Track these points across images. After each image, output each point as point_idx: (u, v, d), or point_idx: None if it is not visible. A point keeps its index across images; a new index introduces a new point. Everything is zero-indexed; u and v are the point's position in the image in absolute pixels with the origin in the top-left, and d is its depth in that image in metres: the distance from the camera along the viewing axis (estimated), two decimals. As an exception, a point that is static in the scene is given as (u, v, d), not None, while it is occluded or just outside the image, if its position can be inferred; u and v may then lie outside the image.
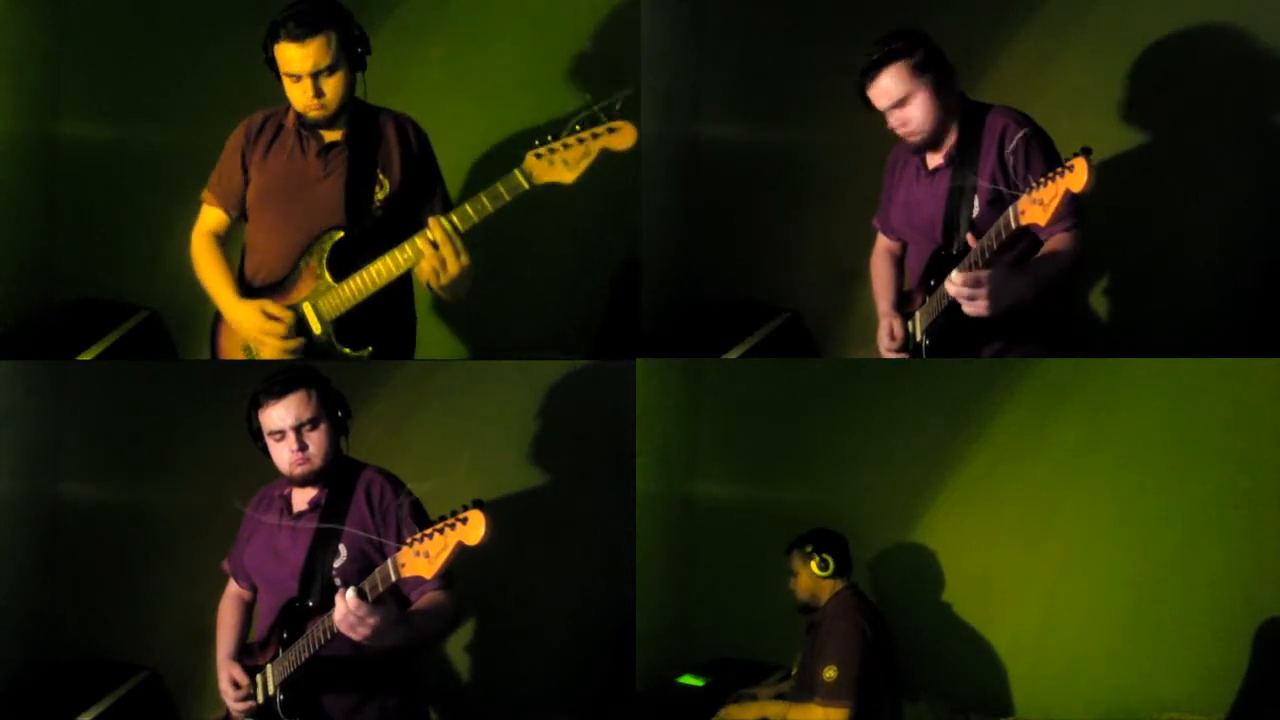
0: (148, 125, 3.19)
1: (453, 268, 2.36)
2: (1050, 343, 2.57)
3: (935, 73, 2.43)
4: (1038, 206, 2.16)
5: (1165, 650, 2.78)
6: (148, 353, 3.15)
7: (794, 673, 2.81)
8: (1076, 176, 2.11)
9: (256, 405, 2.39)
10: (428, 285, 2.51)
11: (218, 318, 2.71)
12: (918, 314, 2.56)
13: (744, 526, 3.27)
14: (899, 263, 2.76)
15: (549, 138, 2.33)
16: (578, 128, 2.30)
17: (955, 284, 2.30)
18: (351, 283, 2.52)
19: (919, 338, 2.56)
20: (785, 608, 2.81)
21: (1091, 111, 2.80)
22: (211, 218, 2.70)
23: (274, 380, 2.38)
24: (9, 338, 2.99)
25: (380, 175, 2.54)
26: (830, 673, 2.63)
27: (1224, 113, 2.78)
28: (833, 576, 2.75)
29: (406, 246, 2.44)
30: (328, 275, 2.54)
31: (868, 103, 2.49)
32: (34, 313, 3.11)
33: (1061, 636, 2.90)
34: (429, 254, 2.37)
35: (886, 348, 2.63)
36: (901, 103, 2.43)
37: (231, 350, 2.68)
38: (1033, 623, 2.93)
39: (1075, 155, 2.12)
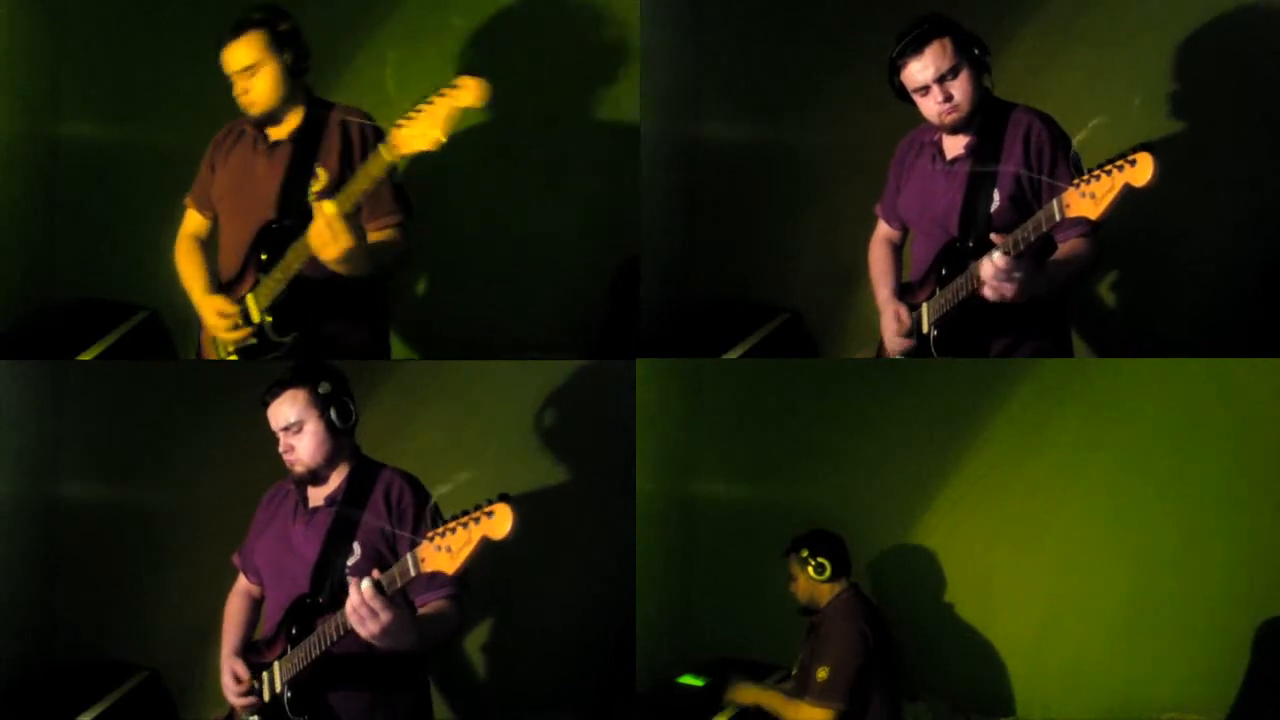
0: (148, 125, 3.19)
1: (331, 250, 2.37)
2: (1061, 339, 2.56)
3: (974, 55, 2.42)
4: (1088, 200, 2.10)
5: (1165, 650, 2.78)
6: (148, 353, 3.15)
7: (794, 673, 2.82)
8: (1140, 170, 2.04)
9: (264, 405, 2.42)
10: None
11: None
12: (925, 305, 2.54)
13: (744, 526, 3.27)
14: (898, 251, 2.75)
15: (408, 110, 2.33)
16: (430, 94, 2.30)
17: (994, 265, 2.25)
18: (275, 272, 2.56)
19: (926, 329, 2.55)
20: (786, 607, 2.82)
21: (1091, 112, 2.79)
22: (190, 220, 2.85)
23: (274, 381, 2.41)
24: (9, 338, 2.99)
25: (318, 169, 2.58)
26: (822, 673, 2.63)
27: (1224, 112, 2.78)
28: (831, 579, 2.74)
29: (311, 227, 2.44)
30: (263, 264, 2.61)
31: (898, 88, 2.46)
32: (34, 313, 3.11)
33: (1061, 636, 2.90)
34: (318, 232, 2.38)
35: (894, 332, 2.59)
36: (944, 78, 2.40)
37: (208, 345, 2.75)
38: (1033, 623, 2.93)
39: (1137, 150, 2.05)
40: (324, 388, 2.39)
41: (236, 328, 2.63)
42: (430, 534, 2.01)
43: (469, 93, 2.24)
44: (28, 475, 3.01)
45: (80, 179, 3.18)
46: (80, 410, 3.08)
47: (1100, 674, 2.85)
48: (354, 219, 2.38)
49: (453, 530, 1.99)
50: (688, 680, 3.05)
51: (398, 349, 3.01)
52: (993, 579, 2.99)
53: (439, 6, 3.11)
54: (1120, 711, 2.81)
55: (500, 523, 1.96)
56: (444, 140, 2.25)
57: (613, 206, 3.02)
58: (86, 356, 3.02)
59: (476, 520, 1.97)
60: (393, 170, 2.37)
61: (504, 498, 1.97)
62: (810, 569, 2.74)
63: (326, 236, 2.36)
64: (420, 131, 2.26)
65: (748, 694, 2.79)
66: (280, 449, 2.40)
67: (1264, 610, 2.63)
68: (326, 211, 2.36)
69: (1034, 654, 2.93)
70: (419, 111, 2.26)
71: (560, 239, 3.10)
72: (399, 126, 2.28)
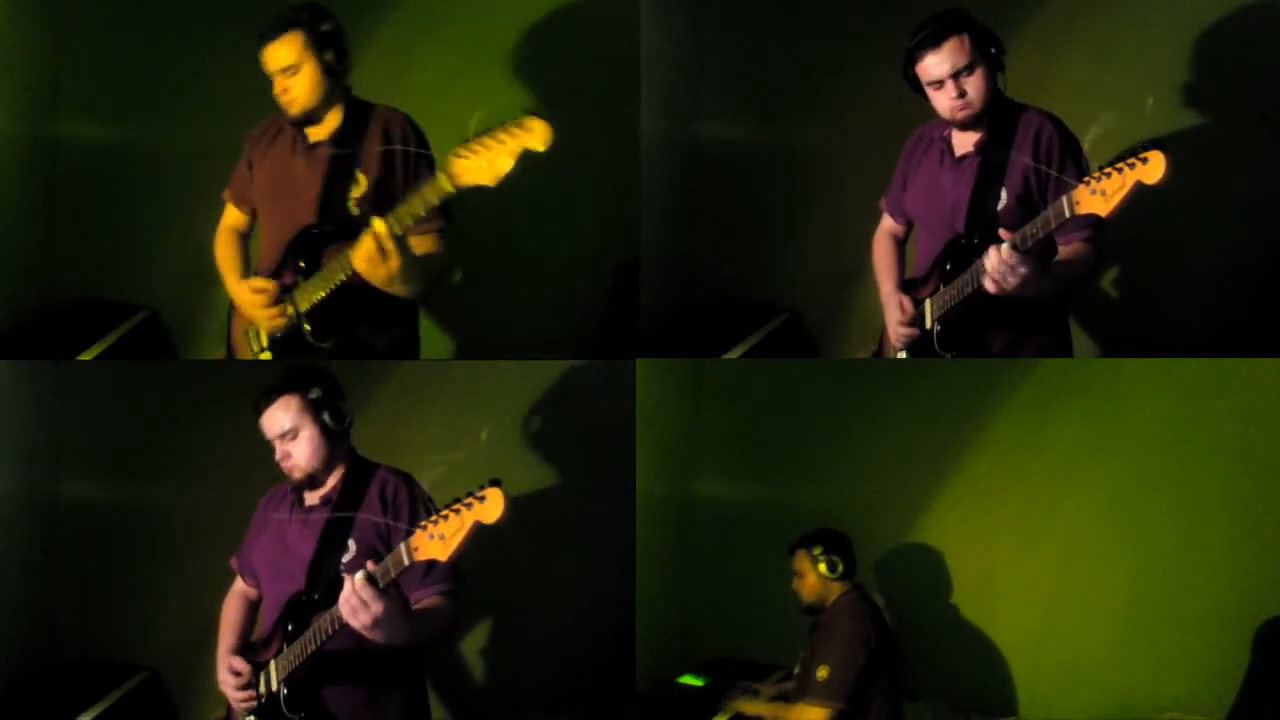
0: (148, 125, 3.19)
1: (381, 270, 2.37)
2: (1062, 336, 2.56)
3: (990, 54, 2.41)
4: (1098, 197, 2.10)
5: (1165, 650, 2.78)
6: (148, 353, 3.15)
7: (795, 673, 2.81)
8: (1151, 169, 2.04)
9: (256, 414, 2.41)
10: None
11: (231, 307, 2.76)
12: (929, 300, 2.53)
13: (744, 526, 3.27)
14: (901, 246, 2.74)
15: (471, 137, 2.32)
16: (495, 129, 2.29)
17: (1001, 258, 2.24)
18: (317, 279, 2.54)
19: (929, 324, 2.55)
20: (786, 608, 2.81)
21: (1091, 112, 2.80)
22: (229, 215, 2.82)
23: (265, 389, 2.41)
24: (9, 338, 2.99)
25: (359, 174, 2.56)
26: (822, 672, 2.62)
27: (1224, 112, 2.78)
28: (841, 578, 2.74)
29: (359, 245, 2.41)
30: (302, 270, 2.59)
31: (912, 79, 2.45)
32: (34, 313, 3.11)
33: (1062, 636, 2.90)
34: (366, 252, 2.37)
35: (898, 321, 2.58)
36: (960, 74, 2.39)
37: (240, 337, 2.72)
38: (1033, 623, 2.93)
39: (1149, 147, 2.05)
40: (315, 393, 2.39)
41: (274, 303, 2.58)
42: (423, 522, 2.01)
43: (539, 135, 2.23)
44: (28, 475, 3.01)
45: (80, 179, 3.18)
46: (80, 410, 3.08)
47: (1101, 674, 2.84)
48: (402, 240, 2.37)
49: (445, 517, 1.99)
50: (688, 680, 3.05)
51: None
52: (993, 579, 2.99)
53: (439, 5, 3.11)
54: (1121, 711, 2.81)
55: (492, 507, 1.97)
56: (502, 179, 2.24)
57: (613, 206, 3.02)
58: (86, 356, 3.02)
59: (469, 506, 1.98)
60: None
61: (495, 482, 1.98)
62: (823, 566, 2.73)
63: (377, 257, 2.34)
64: (482, 166, 2.23)
65: (745, 706, 2.79)
66: (277, 456, 2.39)
67: (1264, 610, 2.63)
68: (379, 230, 2.34)
69: (1034, 654, 2.93)
70: (485, 146, 2.23)
71: (560, 239, 3.10)
72: (461, 157, 2.25)
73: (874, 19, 2.99)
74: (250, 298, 2.60)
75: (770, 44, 3.19)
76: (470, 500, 1.98)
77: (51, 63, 3.15)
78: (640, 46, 2.96)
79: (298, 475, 2.39)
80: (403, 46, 3.08)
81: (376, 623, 2.05)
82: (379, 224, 2.34)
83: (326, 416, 2.38)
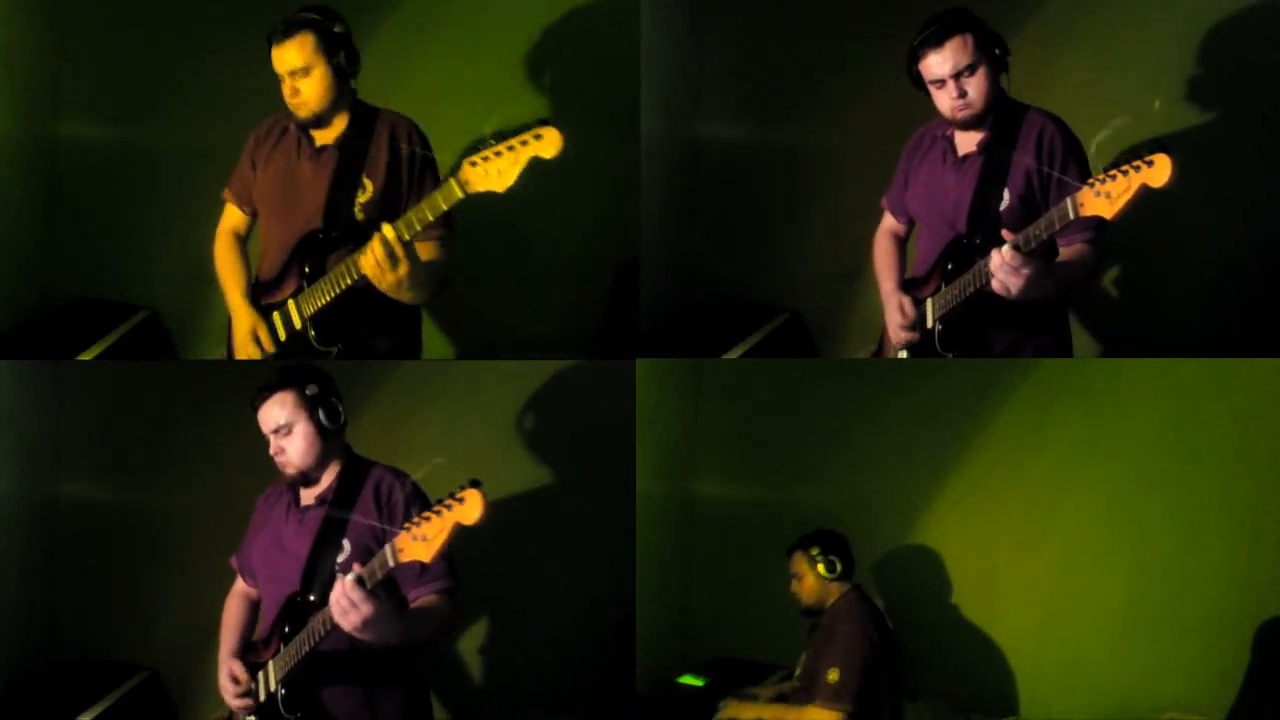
0: (147, 125, 3.19)
1: (390, 276, 2.37)
2: (1062, 336, 2.56)
3: (994, 54, 2.41)
4: (1103, 200, 2.09)
5: (1165, 650, 2.78)
6: (148, 353, 3.15)
7: (797, 673, 2.81)
8: (1157, 172, 2.03)
9: (254, 409, 2.42)
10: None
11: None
12: (930, 300, 2.53)
13: (744, 526, 3.27)
14: (903, 245, 2.74)
15: (491, 142, 2.32)
16: (508, 136, 2.29)
17: (1004, 259, 2.23)
18: (322, 284, 2.54)
19: (930, 324, 2.55)
20: (785, 607, 2.81)
21: (1091, 112, 2.80)
22: (230, 215, 2.80)
23: (262, 385, 2.41)
24: (9, 338, 2.99)
25: (365, 179, 2.56)
26: (833, 675, 2.62)
27: (1224, 112, 2.78)
28: (840, 578, 2.74)
29: (367, 250, 2.41)
30: (307, 275, 2.59)
31: (915, 76, 2.45)
32: (34, 313, 3.12)
33: (1062, 636, 2.90)
34: (375, 258, 2.37)
35: (898, 324, 2.57)
36: (962, 74, 2.39)
37: (240, 344, 2.72)
38: (1033, 623, 2.93)
39: (1154, 150, 2.04)
40: (311, 389, 2.39)
41: (263, 348, 2.62)
42: (407, 524, 2.03)
43: (550, 144, 2.23)
44: (28, 475, 3.01)
45: (80, 179, 3.19)
46: (80, 410, 3.09)
47: (1101, 673, 2.84)
48: (410, 245, 2.37)
49: (427, 519, 2.00)
50: (688, 680, 3.05)
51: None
52: (993, 579, 2.99)
53: (438, 6, 3.11)
54: (1121, 711, 2.81)
55: (471, 508, 1.97)
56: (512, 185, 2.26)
57: (613, 207, 3.02)
58: (86, 356, 3.02)
59: (449, 507, 1.99)
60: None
61: (475, 483, 1.99)
62: (821, 566, 2.73)
63: (386, 263, 2.35)
64: (495, 174, 2.25)
65: (744, 711, 2.79)
66: (271, 451, 2.40)
67: (1264, 610, 2.63)
68: (389, 235, 2.34)
69: (1035, 653, 2.93)
70: (497, 154, 2.24)
71: (561, 239, 3.10)
72: (475, 164, 2.26)
73: (874, 19, 2.99)
74: (245, 338, 2.63)
75: (770, 44, 3.19)
76: (450, 502, 1.99)
77: (51, 63, 3.15)
78: (640, 46, 2.96)
79: (290, 471, 2.39)
80: (402, 47, 3.08)
81: (366, 624, 2.06)
82: (389, 229, 2.34)
83: (321, 414, 2.39)
